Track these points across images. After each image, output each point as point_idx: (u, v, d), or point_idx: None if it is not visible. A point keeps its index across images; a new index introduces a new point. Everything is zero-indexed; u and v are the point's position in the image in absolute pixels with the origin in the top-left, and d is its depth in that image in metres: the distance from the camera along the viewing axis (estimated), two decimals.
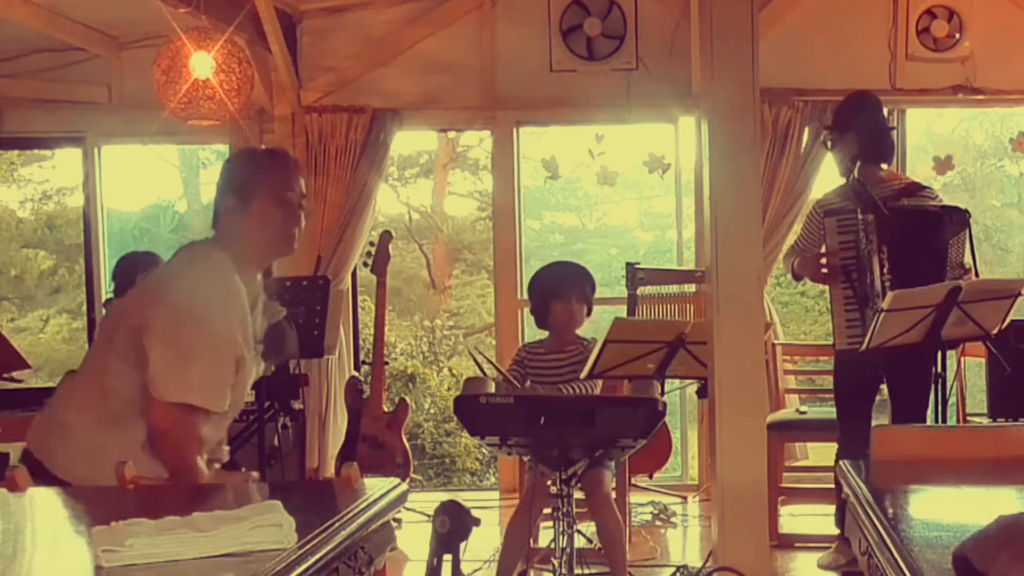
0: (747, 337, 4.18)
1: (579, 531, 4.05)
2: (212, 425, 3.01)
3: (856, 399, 4.75)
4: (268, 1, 6.04)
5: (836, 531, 4.83)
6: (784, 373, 6.14)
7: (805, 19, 6.41)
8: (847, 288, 4.68)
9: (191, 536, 1.88)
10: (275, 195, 3.04)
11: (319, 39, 6.60)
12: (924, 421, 4.57)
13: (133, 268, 5.20)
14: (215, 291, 2.97)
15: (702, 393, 4.54)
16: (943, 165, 6.71)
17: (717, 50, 4.15)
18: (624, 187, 12.41)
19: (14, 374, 5.27)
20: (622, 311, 5.85)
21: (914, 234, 4.61)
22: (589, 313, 4.69)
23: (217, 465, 3.16)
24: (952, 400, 5.14)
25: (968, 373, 5.99)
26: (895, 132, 5.71)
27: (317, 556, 1.94)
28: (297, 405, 5.47)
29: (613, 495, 4.56)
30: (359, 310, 7.25)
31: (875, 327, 4.29)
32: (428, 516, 3.46)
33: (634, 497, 5.68)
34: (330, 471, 6.23)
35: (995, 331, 4.51)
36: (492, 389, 3.71)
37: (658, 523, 5.95)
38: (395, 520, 2.75)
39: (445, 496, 4.34)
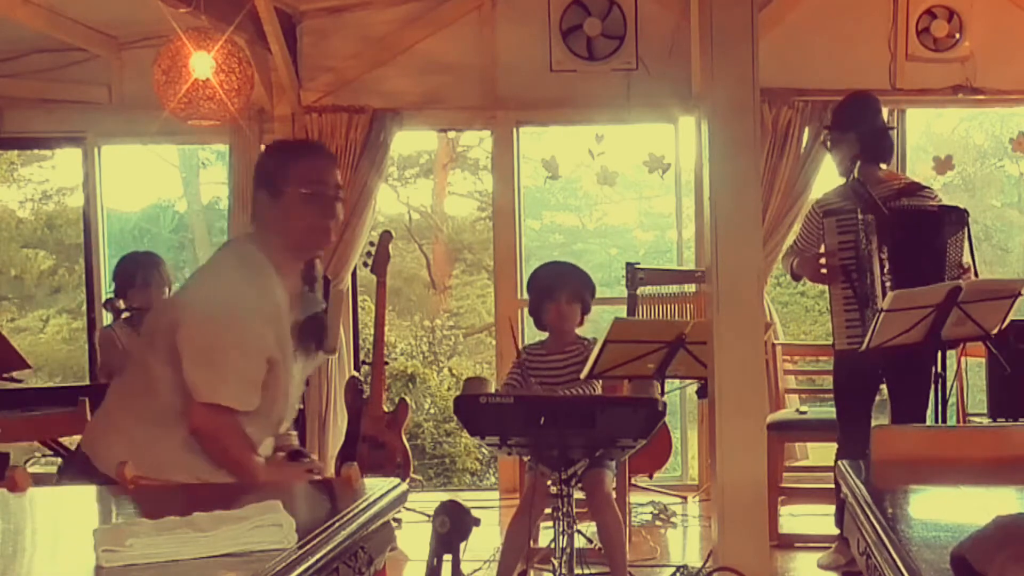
0: (747, 337, 4.18)
1: (579, 531, 4.05)
2: (255, 425, 2.99)
3: (856, 399, 4.75)
4: (268, 1, 6.04)
5: (836, 531, 4.82)
6: (784, 373, 6.14)
7: (805, 19, 6.41)
8: (847, 288, 4.68)
9: (191, 536, 1.89)
10: (307, 187, 3.00)
11: (319, 39, 6.60)
12: (924, 421, 4.57)
13: (133, 268, 5.20)
14: (242, 290, 2.95)
15: (702, 393, 4.54)
16: (943, 165, 6.71)
17: (717, 50, 4.15)
18: (624, 187, 12.42)
19: (14, 374, 5.27)
20: (622, 311, 5.84)
21: (914, 234, 4.61)
22: (585, 313, 4.66)
23: (282, 454, 3.16)
24: (952, 400, 5.14)
25: (968, 373, 5.98)
26: (895, 132, 5.71)
27: (317, 556, 1.94)
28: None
29: (613, 495, 4.55)
30: (359, 310, 7.25)
31: (875, 327, 4.29)
32: (428, 516, 3.46)
33: (634, 497, 5.68)
34: (330, 471, 6.22)
35: (995, 331, 4.51)
36: (492, 389, 3.71)
37: (658, 523, 5.95)
38: (395, 520, 2.75)
39: (445, 496, 4.35)
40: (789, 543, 5.28)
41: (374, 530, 2.28)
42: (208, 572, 1.83)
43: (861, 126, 4.80)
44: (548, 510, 4.02)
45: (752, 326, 4.20)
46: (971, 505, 2.32)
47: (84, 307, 7.41)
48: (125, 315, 5.17)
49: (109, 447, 2.94)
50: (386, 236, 5.94)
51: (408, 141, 13.14)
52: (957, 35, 6.35)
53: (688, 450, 7.27)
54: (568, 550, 3.75)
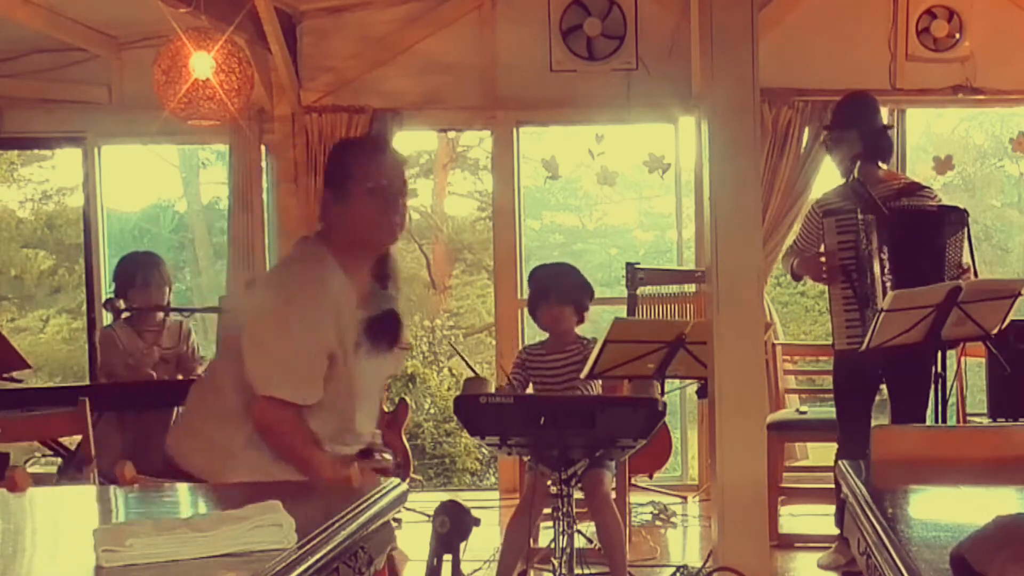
0: (747, 337, 4.17)
1: (579, 531, 4.06)
2: (319, 419, 3.00)
3: (856, 399, 4.75)
4: (268, 1, 6.04)
5: (836, 531, 4.83)
6: (784, 373, 6.14)
7: (805, 19, 6.41)
8: (847, 288, 4.68)
9: (191, 536, 1.89)
10: (369, 184, 3.00)
11: (319, 39, 6.60)
12: (924, 421, 4.57)
13: (133, 268, 5.20)
14: (300, 284, 2.99)
15: (702, 393, 4.54)
16: (943, 165, 6.71)
17: (717, 50, 4.15)
18: (624, 187, 12.41)
19: (14, 374, 5.26)
20: (622, 311, 5.84)
21: (914, 234, 4.61)
22: (581, 313, 4.66)
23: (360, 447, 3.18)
24: (952, 400, 5.14)
25: (968, 373, 5.98)
26: (894, 132, 5.71)
27: (317, 556, 1.94)
28: None
29: (613, 495, 4.56)
30: None
31: (875, 327, 4.29)
32: (428, 516, 3.45)
33: (634, 497, 5.68)
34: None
35: (995, 331, 4.51)
36: (492, 389, 3.71)
37: (658, 523, 5.95)
38: (395, 520, 2.75)
39: (445, 496, 4.34)
40: (789, 543, 5.28)
41: (374, 530, 2.28)
42: (208, 572, 1.83)
43: (861, 126, 4.80)
44: (548, 510, 4.02)
45: (752, 326, 4.20)
46: (971, 505, 2.31)
47: (84, 307, 7.41)
48: (125, 315, 5.17)
49: (186, 444, 3.02)
50: None
51: (408, 141, 13.11)
52: (957, 35, 6.35)
53: (688, 450, 7.27)
54: (568, 550, 3.75)
